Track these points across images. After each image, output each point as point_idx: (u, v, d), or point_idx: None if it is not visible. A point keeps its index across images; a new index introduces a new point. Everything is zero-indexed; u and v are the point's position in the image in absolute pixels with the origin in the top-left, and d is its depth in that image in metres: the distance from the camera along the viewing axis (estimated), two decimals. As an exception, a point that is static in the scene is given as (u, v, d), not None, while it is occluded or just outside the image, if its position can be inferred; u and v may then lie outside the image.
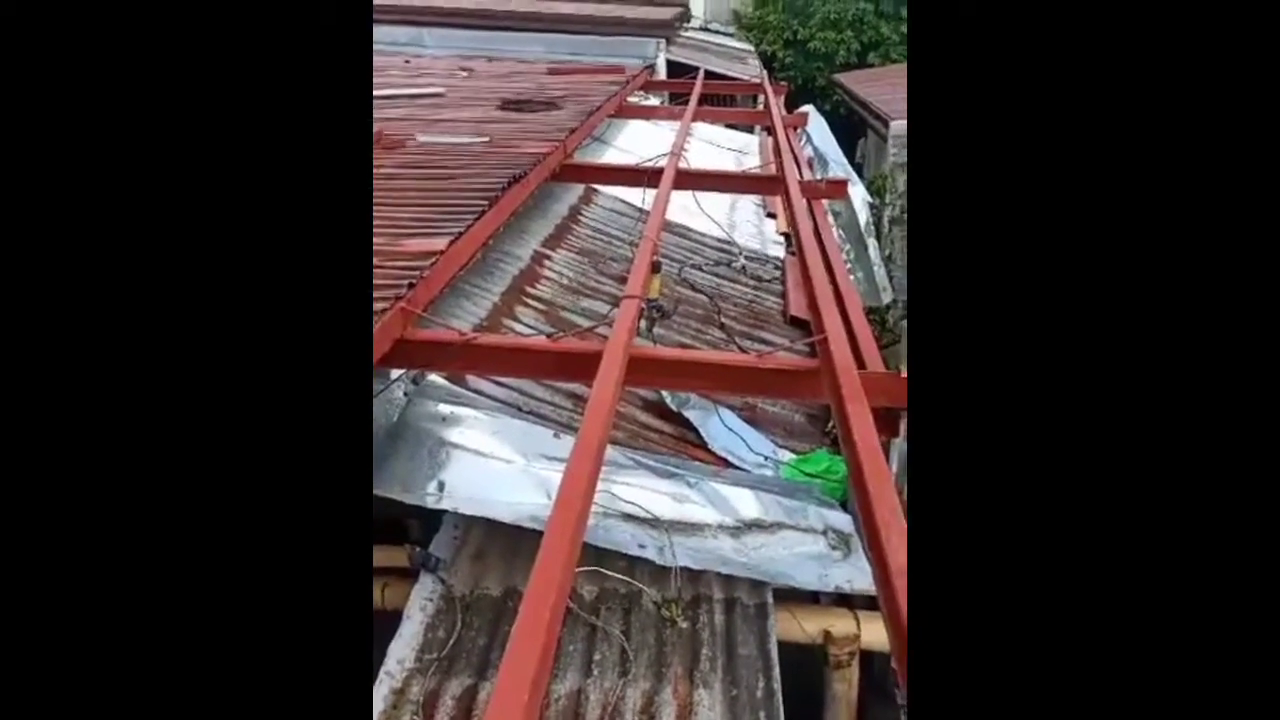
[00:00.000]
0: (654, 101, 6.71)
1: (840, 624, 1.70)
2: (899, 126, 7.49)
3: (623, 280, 3.04)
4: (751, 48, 11.06)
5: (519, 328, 2.73)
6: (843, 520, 1.89)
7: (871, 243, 5.75)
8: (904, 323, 2.02)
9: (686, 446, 2.40)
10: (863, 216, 5.86)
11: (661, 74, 8.11)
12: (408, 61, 6.62)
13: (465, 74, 6.06)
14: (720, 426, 2.47)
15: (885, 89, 8.62)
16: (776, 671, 1.51)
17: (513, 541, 1.79)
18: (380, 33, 7.35)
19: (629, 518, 1.80)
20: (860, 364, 1.96)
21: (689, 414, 2.51)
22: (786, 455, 2.44)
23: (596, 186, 4.27)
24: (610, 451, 2.03)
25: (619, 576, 1.68)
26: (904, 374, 1.89)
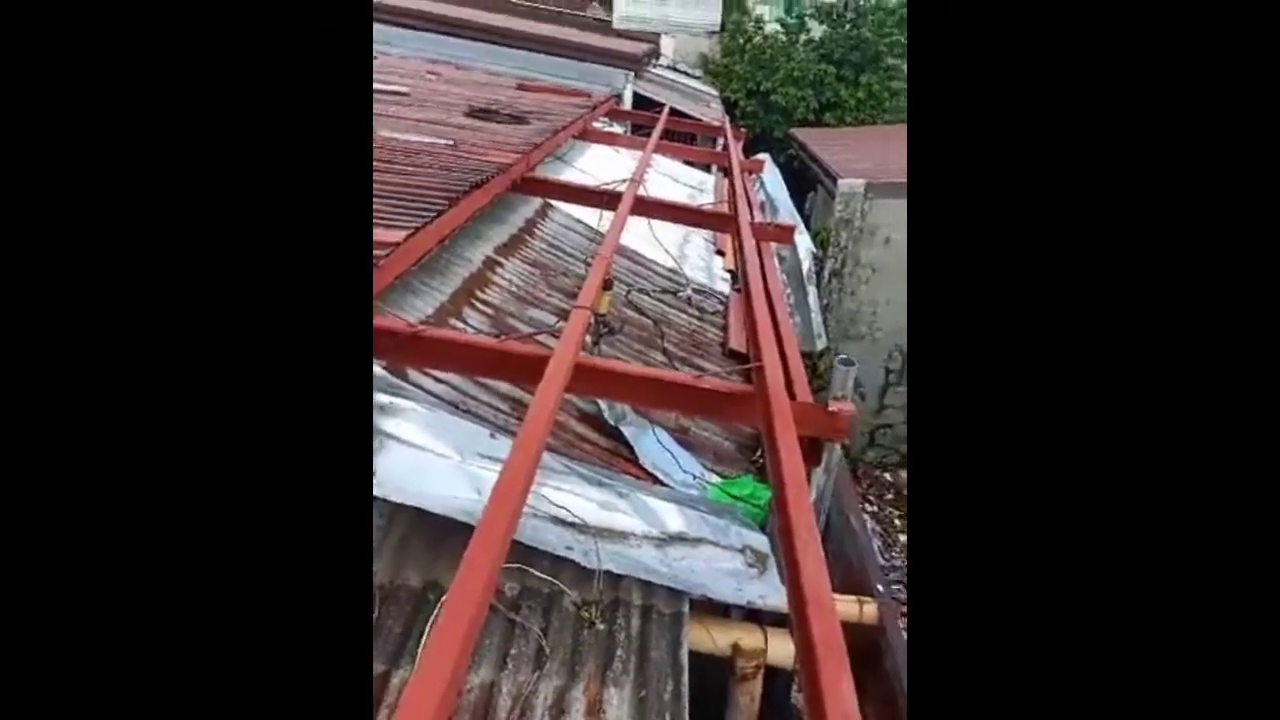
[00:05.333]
0: (618, 130, 6.86)
1: (749, 638, 1.77)
2: (847, 185, 7.87)
3: (571, 295, 3.10)
4: (716, 92, 11.44)
5: (465, 329, 2.74)
6: (761, 541, 1.98)
7: (812, 290, 6.00)
8: (833, 371, 2.14)
9: (618, 460, 2.46)
10: (806, 264, 6.12)
11: (628, 105, 8.30)
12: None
13: (432, 78, 6.07)
14: (653, 444, 2.54)
15: (839, 149, 9.06)
16: (686, 677, 1.56)
17: (438, 535, 1.79)
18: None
19: (558, 520, 1.83)
20: (791, 395, 2.07)
21: (624, 429, 2.57)
22: (714, 478, 2.52)
23: (554, 202, 4.33)
24: (545, 456, 2.07)
25: (542, 576, 1.71)
26: (831, 408, 2.00)
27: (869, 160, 8.36)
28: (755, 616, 1.91)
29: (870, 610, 1.92)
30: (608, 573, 1.74)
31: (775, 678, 2.06)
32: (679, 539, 1.91)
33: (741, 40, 12.34)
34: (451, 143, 3.60)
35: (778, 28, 12.52)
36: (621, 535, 1.85)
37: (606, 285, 2.86)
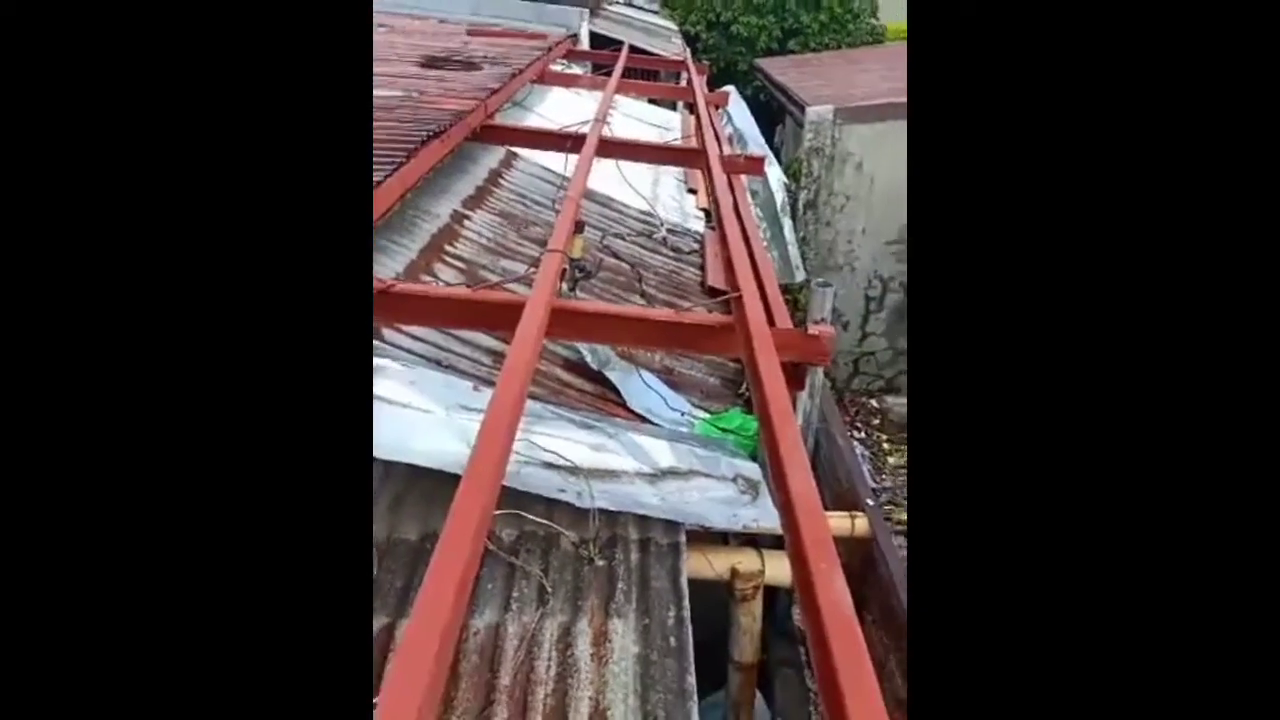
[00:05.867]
0: (577, 71, 6.65)
1: (746, 561, 1.81)
2: (815, 113, 7.75)
3: (544, 243, 3.04)
4: (675, 27, 11.09)
5: (437, 285, 2.69)
6: (752, 469, 2.00)
7: (787, 222, 5.94)
8: (811, 294, 2.14)
9: (606, 404, 2.46)
10: (779, 197, 6.05)
11: (585, 44, 8.03)
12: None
13: (383, 30, 5.83)
14: (640, 385, 2.54)
15: (804, 76, 8.87)
16: (687, 602, 1.60)
17: (431, 489, 1.79)
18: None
19: (549, 465, 1.84)
20: (772, 323, 2.07)
21: (610, 374, 2.57)
22: (702, 414, 2.54)
23: (517, 151, 4.22)
24: (531, 404, 2.06)
25: (538, 520, 1.73)
26: (810, 331, 2.00)
27: (835, 86, 8.20)
28: (752, 542, 1.95)
29: (862, 523, 1.96)
30: (603, 511, 1.75)
31: (775, 599, 2.11)
32: (671, 473, 1.92)
33: (698, -31, 11.91)
34: (404, 94, 3.47)
35: (734, -47, 12.08)
36: (614, 474, 1.86)
37: (578, 229, 2.81)
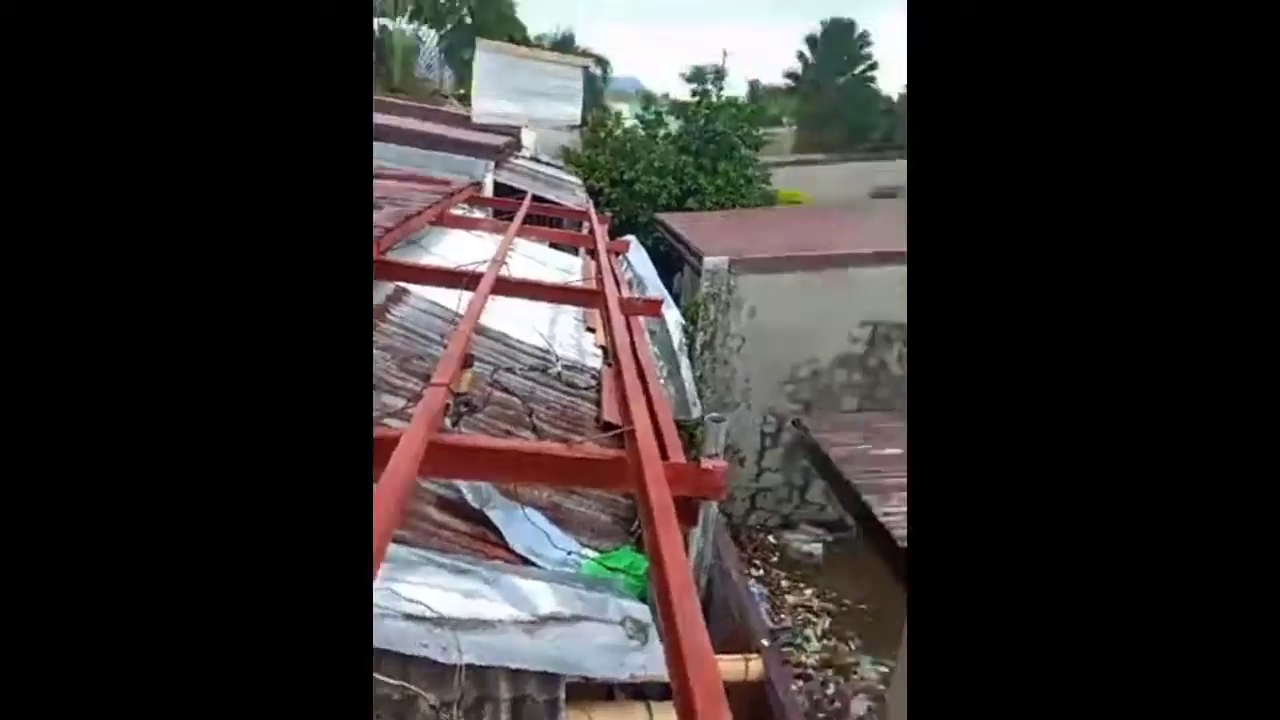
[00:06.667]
0: (479, 215, 6.87)
1: (633, 718, 1.64)
2: (711, 262, 8.29)
3: (428, 379, 2.95)
4: (579, 180, 11.83)
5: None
6: (641, 610, 1.87)
7: (684, 360, 6.14)
8: (704, 429, 2.14)
9: (485, 546, 2.29)
10: (676, 336, 6.28)
11: (488, 193, 8.38)
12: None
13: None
14: (524, 524, 2.39)
15: (701, 230, 9.58)
16: (563, 774, 1.40)
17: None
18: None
19: (410, 617, 1.64)
20: (665, 457, 2.03)
21: (490, 513, 2.41)
22: (591, 553, 2.40)
23: (409, 287, 4.19)
24: (396, 549, 1.87)
25: (391, 681, 1.51)
26: (704, 465, 1.97)
27: (729, 239, 8.87)
28: (640, 694, 1.78)
29: (756, 666, 1.84)
30: (470, 666, 1.56)
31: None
32: (553, 619, 1.76)
33: (603, 134, 12.97)
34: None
35: (636, 123, 13.30)
36: (487, 624, 1.69)
37: (467, 363, 2.75)
